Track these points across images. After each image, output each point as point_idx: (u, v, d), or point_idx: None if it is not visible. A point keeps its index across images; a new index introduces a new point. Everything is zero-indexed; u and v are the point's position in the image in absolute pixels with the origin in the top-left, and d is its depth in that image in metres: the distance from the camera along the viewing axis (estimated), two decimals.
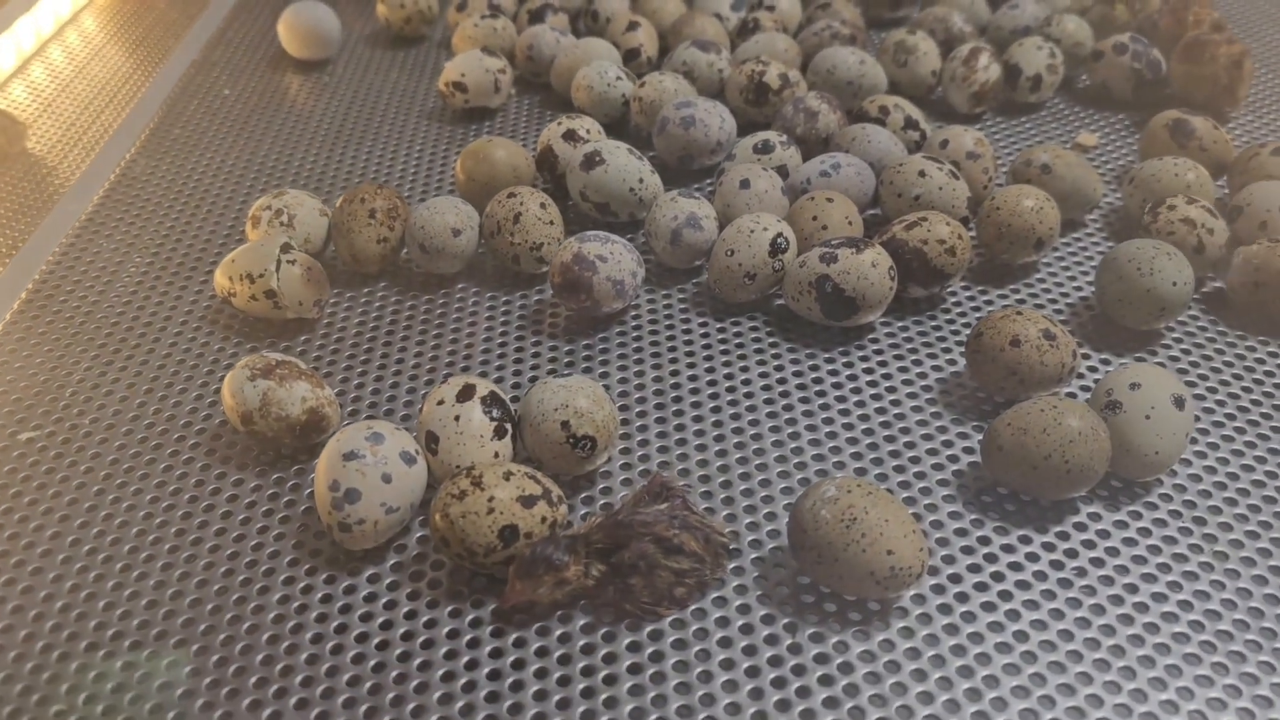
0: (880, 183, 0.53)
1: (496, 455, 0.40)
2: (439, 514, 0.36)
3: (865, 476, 0.41)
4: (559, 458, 0.40)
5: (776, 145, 0.55)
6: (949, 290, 0.51)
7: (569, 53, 0.65)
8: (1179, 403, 0.40)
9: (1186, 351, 0.47)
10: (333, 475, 0.37)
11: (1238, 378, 0.46)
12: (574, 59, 0.64)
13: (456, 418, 0.40)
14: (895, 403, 0.45)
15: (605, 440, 0.40)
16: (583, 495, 0.41)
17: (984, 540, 0.39)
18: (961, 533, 0.39)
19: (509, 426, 0.40)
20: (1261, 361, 0.47)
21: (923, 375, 0.46)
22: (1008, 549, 0.39)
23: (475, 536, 0.36)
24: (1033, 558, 0.38)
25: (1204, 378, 0.46)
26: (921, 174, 0.51)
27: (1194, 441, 0.43)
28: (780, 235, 0.48)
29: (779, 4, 0.71)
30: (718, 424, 0.44)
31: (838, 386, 0.46)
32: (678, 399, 0.45)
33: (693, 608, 0.37)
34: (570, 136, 0.56)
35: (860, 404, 0.45)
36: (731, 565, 0.38)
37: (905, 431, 0.44)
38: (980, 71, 0.62)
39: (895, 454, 0.43)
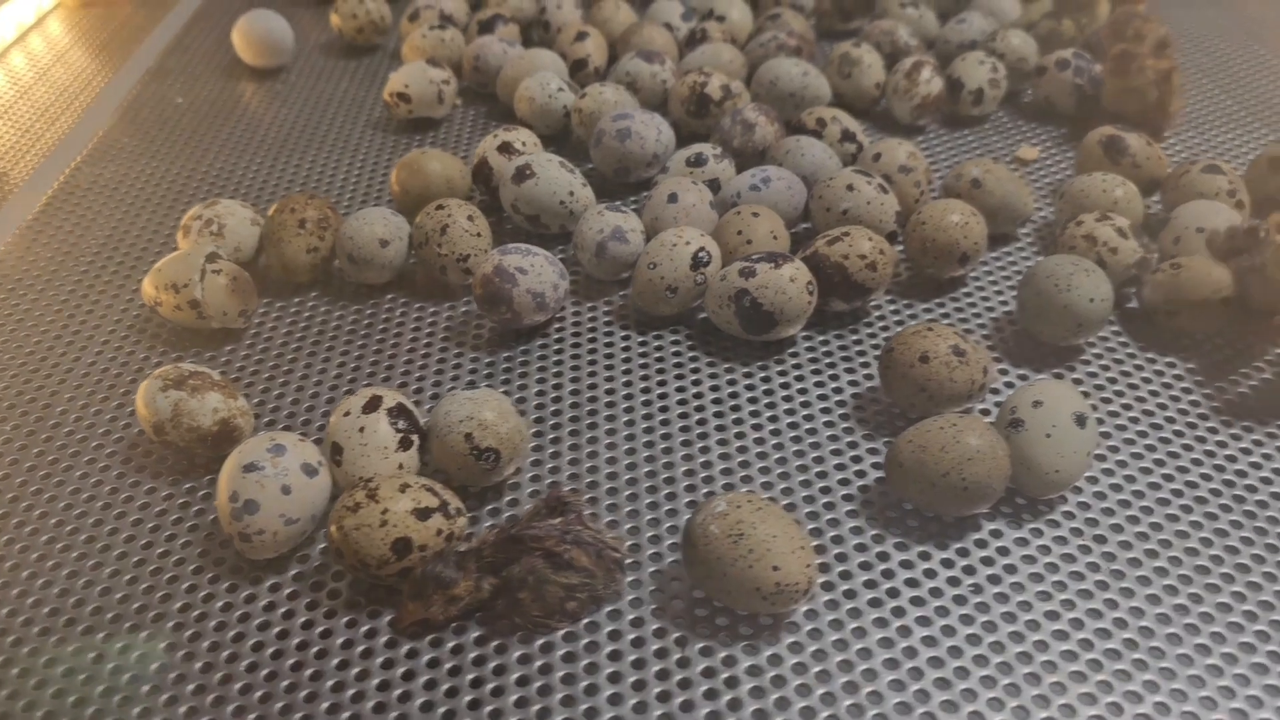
0: (811, 197, 0.53)
1: (401, 467, 0.40)
2: (334, 526, 0.37)
3: (773, 491, 0.42)
4: (463, 469, 0.40)
5: (709, 158, 0.55)
6: (874, 304, 0.51)
7: (514, 64, 0.65)
8: (1080, 421, 0.40)
9: (1106, 368, 0.48)
10: (233, 486, 0.38)
11: (1154, 394, 0.46)
12: (518, 70, 0.65)
13: (361, 429, 0.40)
14: (809, 417, 0.45)
15: (511, 452, 0.40)
16: (489, 507, 0.42)
17: (883, 556, 0.39)
18: (861, 548, 0.39)
19: (415, 438, 0.41)
20: (1180, 378, 0.47)
21: (839, 390, 0.47)
22: (905, 565, 0.39)
23: (368, 549, 0.36)
24: (929, 574, 0.38)
25: (1120, 394, 0.46)
26: (850, 188, 0.52)
27: (1102, 459, 0.43)
28: (702, 249, 0.48)
29: (730, 15, 0.71)
30: (631, 437, 0.44)
31: (753, 400, 0.46)
32: (593, 412, 0.46)
33: (587, 620, 0.37)
34: (506, 149, 0.56)
35: (774, 418, 0.45)
36: (631, 579, 0.38)
37: (816, 446, 0.44)
38: (922, 84, 0.63)
39: (804, 468, 0.43)
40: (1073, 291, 0.46)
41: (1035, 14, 0.70)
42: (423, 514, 0.37)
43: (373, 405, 0.40)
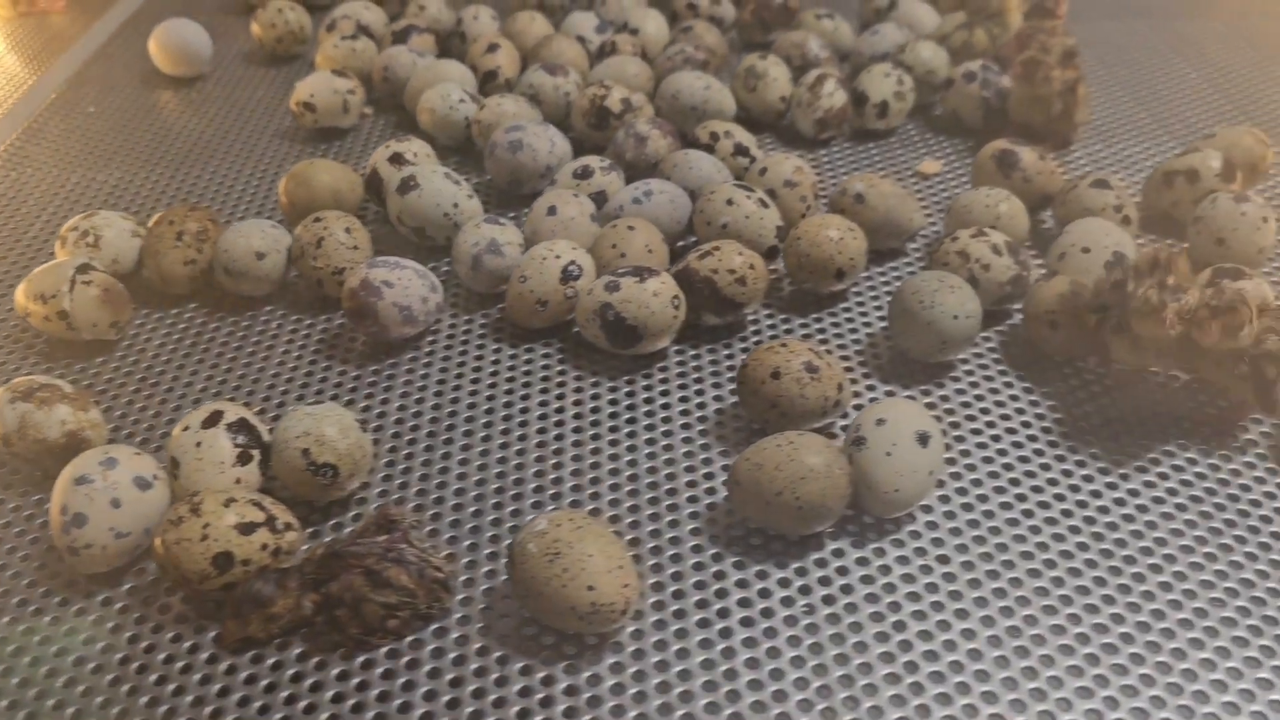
0: (694, 211, 0.53)
1: (239, 481, 0.40)
2: (158, 540, 0.37)
3: (620, 507, 0.41)
4: (302, 484, 0.40)
5: (596, 170, 0.55)
6: (751, 318, 0.51)
7: (420, 75, 0.65)
8: (923, 440, 0.40)
9: (975, 384, 0.47)
10: (64, 499, 0.38)
11: (1020, 412, 0.46)
12: (424, 81, 0.65)
13: (198, 444, 0.40)
14: (668, 433, 0.45)
15: (351, 468, 0.40)
16: (333, 522, 0.41)
17: (719, 575, 0.39)
18: (699, 567, 0.39)
19: (255, 453, 0.41)
20: (1048, 396, 0.46)
21: (703, 405, 0.46)
22: (740, 584, 0.38)
23: (188, 563, 0.36)
24: (764, 594, 0.38)
25: (985, 412, 0.46)
26: (729, 202, 0.51)
27: (957, 478, 0.43)
28: (573, 263, 0.48)
29: (645, 28, 0.71)
30: (486, 453, 0.44)
31: (615, 415, 0.46)
32: (452, 426, 0.45)
33: (413, 638, 0.37)
34: (397, 159, 0.56)
35: (633, 433, 0.45)
36: (464, 596, 0.38)
37: (671, 463, 0.43)
38: (825, 98, 0.62)
39: (655, 485, 0.42)
40: (936, 308, 0.45)
41: (949, 25, 0.69)
42: (247, 528, 0.37)
43: (213, 420, 0.40)
